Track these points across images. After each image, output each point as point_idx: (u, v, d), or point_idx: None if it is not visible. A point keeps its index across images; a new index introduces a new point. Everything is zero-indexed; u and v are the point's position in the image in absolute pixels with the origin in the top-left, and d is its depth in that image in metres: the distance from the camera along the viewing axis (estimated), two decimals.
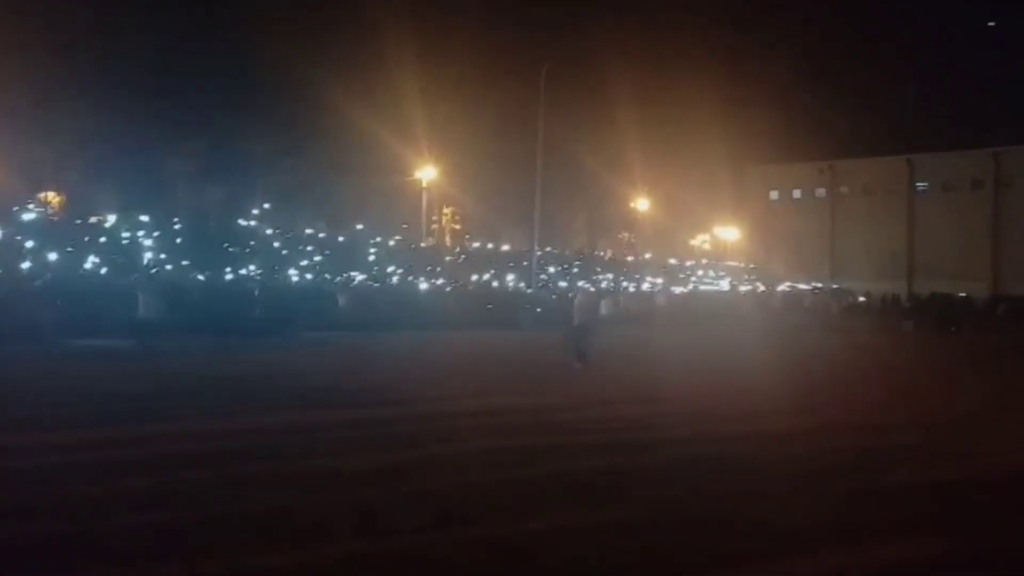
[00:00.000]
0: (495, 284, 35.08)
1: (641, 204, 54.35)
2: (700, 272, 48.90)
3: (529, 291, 35.44)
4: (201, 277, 25.71)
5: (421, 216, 41.55)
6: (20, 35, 28.84)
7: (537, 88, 36.30)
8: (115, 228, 25.16)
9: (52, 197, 36.68)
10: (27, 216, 24.00)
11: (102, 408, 11.52)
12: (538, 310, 32.34)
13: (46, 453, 8.61)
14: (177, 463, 8.28)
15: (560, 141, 42.73)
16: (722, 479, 8.18)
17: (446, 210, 47.58)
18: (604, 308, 29.56)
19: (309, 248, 29.34)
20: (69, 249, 23.48)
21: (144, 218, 25.62)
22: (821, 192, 71.98)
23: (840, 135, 66.21)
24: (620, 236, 58.29)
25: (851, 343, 28.04)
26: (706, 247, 63.77)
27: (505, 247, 38.27)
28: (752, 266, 54.02)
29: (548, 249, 39.73)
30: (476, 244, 38.61)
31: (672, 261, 47.64)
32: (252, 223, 31.74)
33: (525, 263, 36.93)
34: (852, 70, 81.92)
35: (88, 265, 23.86)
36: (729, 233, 64.96)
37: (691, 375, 18.00)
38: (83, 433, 9.78)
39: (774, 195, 74.22)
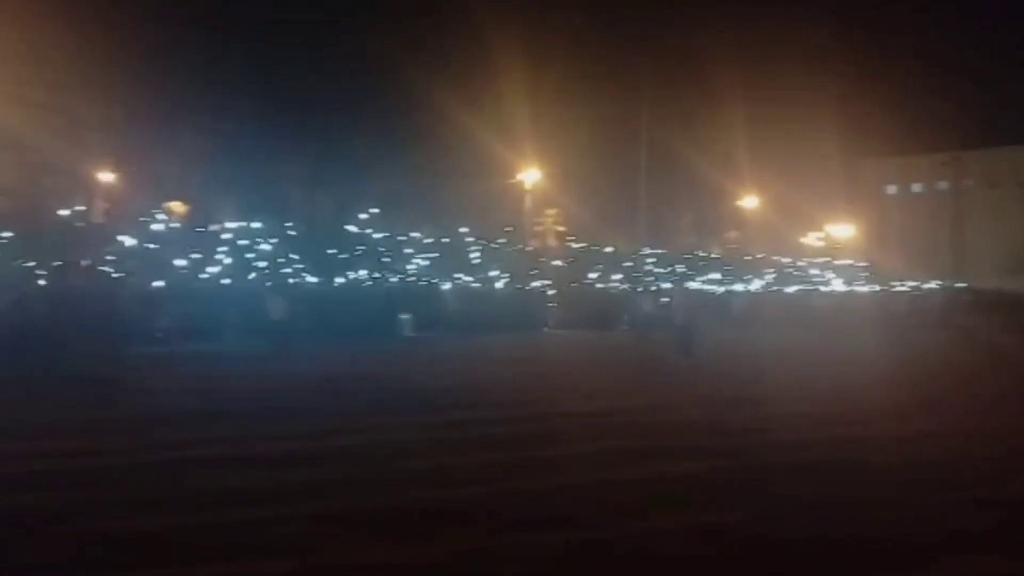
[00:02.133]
0: (599, 285, 35.01)
1: (749, 202, 53.08)
2: (812, 271, 47.44)
3: (635, 292, 35.21)
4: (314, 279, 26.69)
5: (525, 219, 41.82)
6: (144, 57, 30.59)
7: (641, 86, 36.01)
8: (235, 234, 26.35)
9: (177, 207, 38.64)
10: (155, 225, 25.42)
11: (232, 407, 12.14)
12: (640, 311, 32.09)
13: (179, 448, 9.17)
14: (284, 461, 8.68)
15: (665, 140, 42.23)
16: (832, 486, 7.93)
17: (549, 212, 47.69)
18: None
19: (414, 251, 30.00)
20: (196, 255, 24.78)
21: (259, 225, 26.76)
22: (943, 186, 68.66)
23: (963, 125, 62.97)
24: (727, 235, 57.12)
25: (973, 343, 26.69)
26: (818, 245, 61.74)
27: (609, 248, 38.09)
28: (867, 264, 52.05)
29: (653, 249, 39.34)
30: (580, 245, 38.59)
31: (782, 259, 46.40)
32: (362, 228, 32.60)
33: (629, 264, 36.69)
34: (974, 55, 77.67)
35: (211, 270, 25.09)
36: (842, 230, 62.70)
37: (801, 376, 17.51)
38: (219, 430, 10.37)
39: (891, 190, 71.27)
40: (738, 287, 41.14)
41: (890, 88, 62.89)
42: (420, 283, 29.54)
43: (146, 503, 7.08)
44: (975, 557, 6.03)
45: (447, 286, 30.24)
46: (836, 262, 50.43)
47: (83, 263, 21.89)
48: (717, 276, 40.22)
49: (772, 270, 44.09)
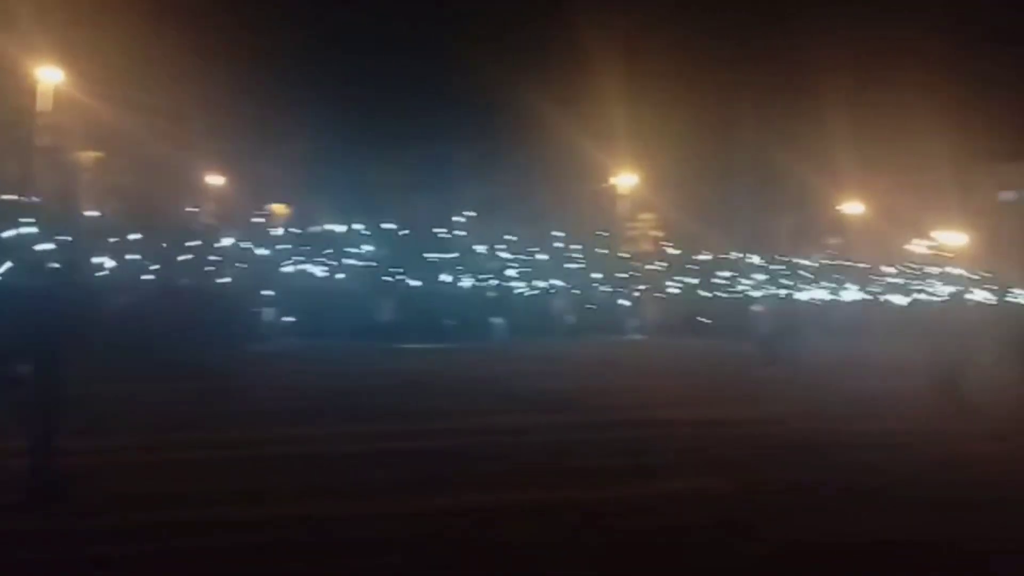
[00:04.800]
0: (700, 292, 34.55)
1: (852, 207, 51.30)
2: (919, 280, 45.57)
3: (729, 301, 34.61)
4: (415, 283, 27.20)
5: (618, 224, 41.50)
6: (249, 62, 31.68)
7: (742, 88, 35.29)
8: (338, 237, 27.12)
9: (279, 209, 39.87)
10: (258, 227, 26.37)
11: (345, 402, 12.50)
12: (725, 319, 31.45)
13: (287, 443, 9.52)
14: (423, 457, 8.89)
15: (766, 143, 41.23)
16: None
17: (644, 216, 47.19)
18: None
19: (510, 256, 30.24)
20: (300, 257, 25.63)
21: (360, 227, 27.45)
22: None
23: None
24: (828, 241, 55.38)
25: None
26: (926, 252, 59.19)
27: (704, 255, 37.45)
28: (982, 273, 49.66)
29: (751, 256, 38.51)
30: (675, 251, 38.06)
31: (886, 267, 44.75)
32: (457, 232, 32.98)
33: (731, 272, 36.08)
34: None
35: (310, 270, 25.86)
36: (953, 238, 59.91)
37: (905, 388, 16.67)
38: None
39: (1008, 195, 67.76)
40: (839, 296, 39.86)
41: (1007, 90, 59.52)
42: (511, 287, 29.80)
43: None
44: None
45: (538, 290, 30.35)
46: (945, 271, 48.36)
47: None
48: (816, 284, 39.08)
49: (876, 278, 42.58)
